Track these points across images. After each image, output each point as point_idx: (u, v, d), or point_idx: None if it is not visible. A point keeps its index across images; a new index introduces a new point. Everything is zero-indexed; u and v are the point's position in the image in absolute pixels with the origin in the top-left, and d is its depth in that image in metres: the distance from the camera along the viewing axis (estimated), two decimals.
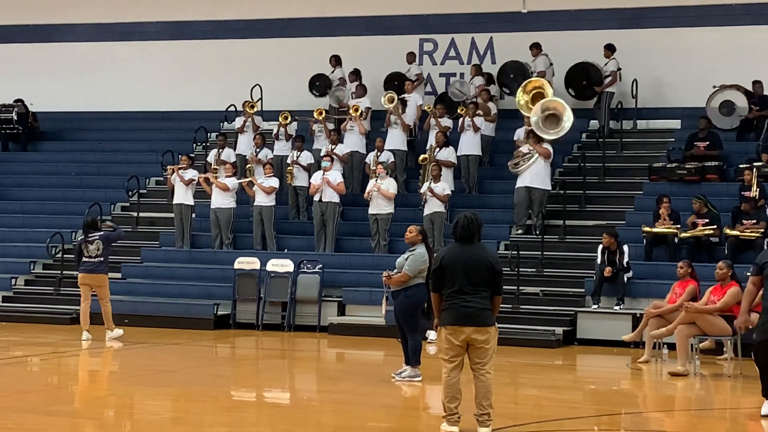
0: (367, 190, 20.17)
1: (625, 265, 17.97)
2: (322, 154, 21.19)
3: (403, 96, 22.23)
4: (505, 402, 11.75)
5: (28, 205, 23.62)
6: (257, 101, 23.78)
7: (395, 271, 13.12)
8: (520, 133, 20.74)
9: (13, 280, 20.98)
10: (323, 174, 20.31)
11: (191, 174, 21.19)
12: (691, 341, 14.51)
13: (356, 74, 23.58)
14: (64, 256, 20.48)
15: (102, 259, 17.25)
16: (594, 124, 22.77)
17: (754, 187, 18.84)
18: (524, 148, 19.92)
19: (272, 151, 22.18)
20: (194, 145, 24.38)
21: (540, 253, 19.14)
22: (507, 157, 20.66)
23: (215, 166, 21.97)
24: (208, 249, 21.09)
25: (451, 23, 24.42)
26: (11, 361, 15.64)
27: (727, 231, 18.30)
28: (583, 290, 18.35)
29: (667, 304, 15.60)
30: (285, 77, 24.72)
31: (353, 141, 21.75)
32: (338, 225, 20.47)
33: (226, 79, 25.35)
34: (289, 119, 22.34)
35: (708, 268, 16.03)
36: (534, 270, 19.04)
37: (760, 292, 11.40)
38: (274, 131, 22.50)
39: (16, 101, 25.91)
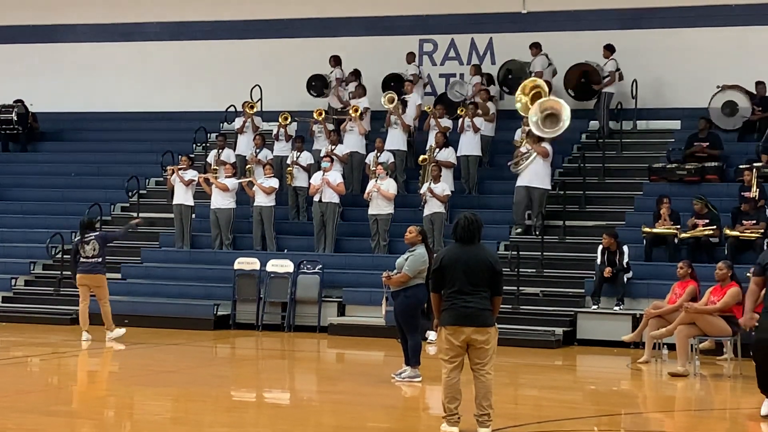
0: (366, 191, 20.17)
1: (625, 266, 17.98)
2: (321, 154, 21.19)
3: (403, 96, 22.22)
4: (505, 402, 11.75)
5: (28, 205, 23.61)
6: (257, 102, 23.77)
7: (395, 271, 13.12)
8: (518, 134, 20.74)
9: (13, 281, 20.98)
10: (323, 174, 20.32)
11: (191, 174, 21.19)
12: (691, 342, 14.52)
13: (356, 74, 23.58)
14: (64, 256, 20.45)
15: (99, 259, 17.24)
16: (594, 124, 22.76)
17: (754, 188, 18.84)
18: (523, 148, 19.94)
19: (272, 152, 22.17)
20: (194, 145, 24.38)
21: (540, 253, 19.13)
22: (507, 157, 20.67)
23: (215, 167, 21.97)
24: (208, 249, 21.09)
25: (451, 24, 24.41)
26: (11, 362, 15.65)
27: (727, 231, 18.30)
28: (582, 291, 18.35)
29: (667, 305, 15.60)
30: (285, 78, 24.71)
31: (353, 141, 21.75)
32: (338, 225, 20.47)
33: (226, 80, 25.34)
34: (289, 120, 22.34)
35: (708, 268, 16.01)
36: (534, 270, 19.04)
37: (762, 292, 11.41)
38: (274, 132, 22.50)
39: (16, 102, 25.91)
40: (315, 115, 22.16)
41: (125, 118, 26.25)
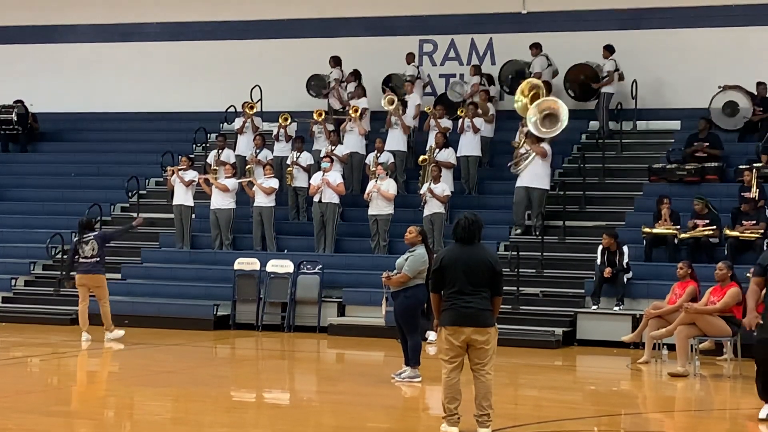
0: (366, 191, 20.17)
1: (625, 266, 17.98)
2: (321, 155, 21.19)
3: (403, 97, 22.22)
4: (505, 402, 11.75)
5: (28, 205, 23.61)
6: (257, 102, 23.77)
7: (395, 271, 13.12)
8: (517, 135, 20.73)
9: (13, 281, 20.98)
10: (323, 175, 20.32)
11: (191, 175, 21.19)
12: (691, 342, 14.52)
13: (355, 75, 23.58)
14: (64, 256, 20.47)
15: (98, 259, 17.24)
16: (594, 125, 22.76)
17: (754, 188, 18.84)
18: (522, 149, 19.94)
19: (272, 152, 22.17)
20: (194, 145, 24.38)
21: (540, 253, 19.14)
22: (506, 157, 20.68)
23: (215, 167, 21.97)
24: (208, 250, 21.09)
25: (451, 24, 24.41)
26: (11, 362, 15.65)
27: (727, 232, 18.30)
28: (582, 291, 18.35)
29: (667, 305, 15.59)
30: (285, 78, 24.70)
31: (353, 142, 21.75)
32: (338, 226, 20.47)
33: (226, 80, 25.34)
34: (289, 120, 22.34)
35: (708, 268, 16.02)
36: (534, 271, 19.04)
37: (763, 292, 11.42)
38: (274, 132, 22.50)
39: (16, 102, 25.91)
40: (315, 116, 22.17)
41: (125, 119, 26.25)
